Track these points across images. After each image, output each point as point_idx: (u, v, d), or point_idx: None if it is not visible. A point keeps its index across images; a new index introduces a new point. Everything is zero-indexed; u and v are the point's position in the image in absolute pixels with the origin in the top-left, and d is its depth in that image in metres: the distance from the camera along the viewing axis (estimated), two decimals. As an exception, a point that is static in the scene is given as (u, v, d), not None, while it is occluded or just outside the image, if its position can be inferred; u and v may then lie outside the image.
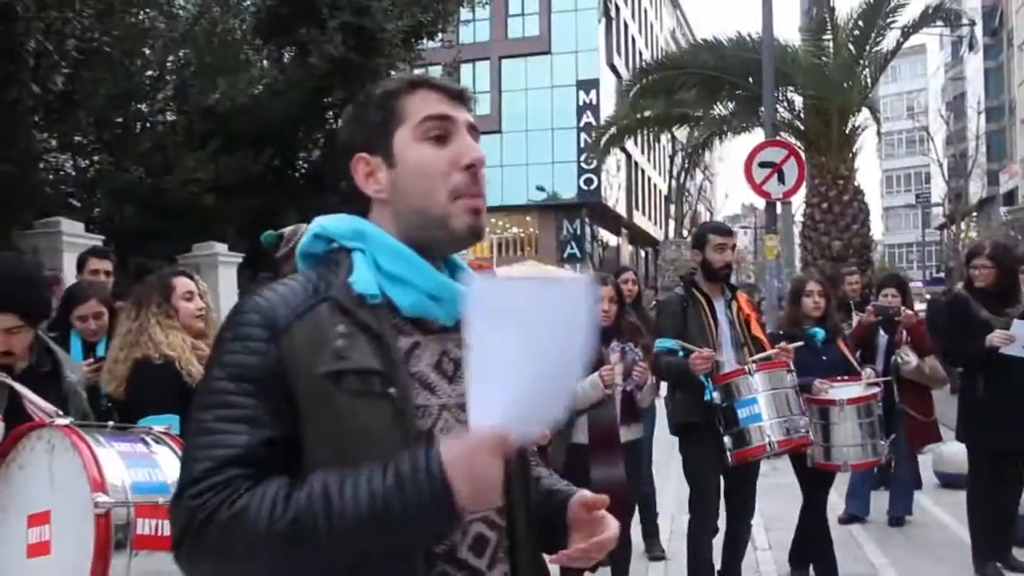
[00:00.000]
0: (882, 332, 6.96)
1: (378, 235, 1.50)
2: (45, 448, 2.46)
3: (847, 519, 7.11)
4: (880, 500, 7.21)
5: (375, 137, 1.52)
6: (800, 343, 5.08)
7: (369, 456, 1.33)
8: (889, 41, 16.20)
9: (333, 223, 1.54)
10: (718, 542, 5.05)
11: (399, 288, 1.47)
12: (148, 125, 14.00)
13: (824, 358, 5.30)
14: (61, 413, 2.60)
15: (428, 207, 1.49)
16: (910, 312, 6.81)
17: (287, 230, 4.57)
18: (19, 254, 7.25)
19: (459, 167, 1.49)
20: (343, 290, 1.45)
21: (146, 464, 2.49)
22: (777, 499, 6.80)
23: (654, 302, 9.61)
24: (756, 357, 4.76)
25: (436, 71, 20.42)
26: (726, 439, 4.61)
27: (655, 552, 6.41)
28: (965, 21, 20.62)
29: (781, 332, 5.50)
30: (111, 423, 2.69)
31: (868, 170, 69.58)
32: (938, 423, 7.04)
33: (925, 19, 16.59)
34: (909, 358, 6.71)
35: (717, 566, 5.09)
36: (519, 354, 1.23)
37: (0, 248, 9.34)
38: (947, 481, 8.07)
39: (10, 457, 2.52)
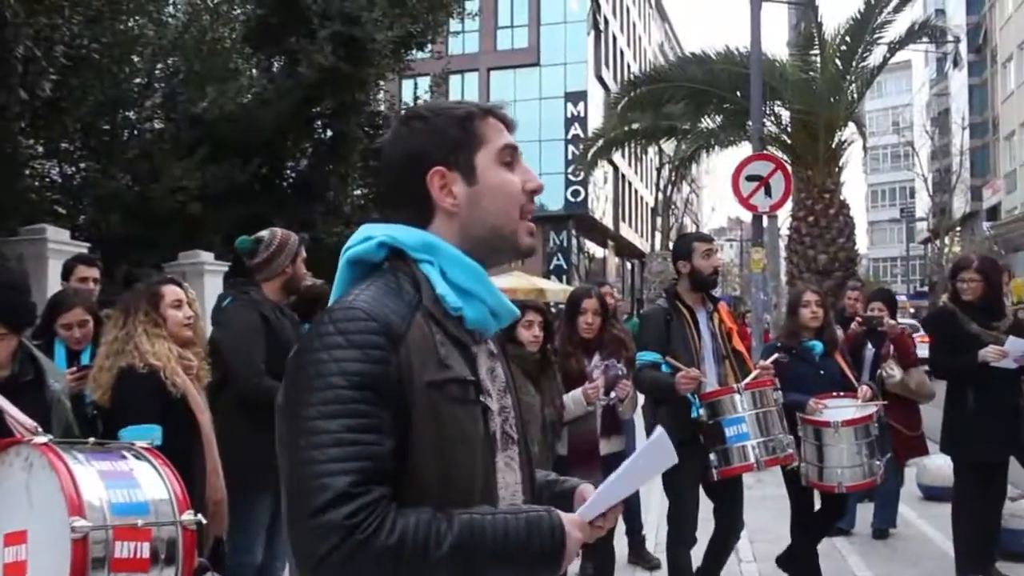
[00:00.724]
0: (870, 345, 6.98)
1: (449, 250, 1.59)
2: (23, 465, 2.41)
3: (832, 532, 7.12)
4: (864, 512, 7.22)
5: (455, 154, 1.62)
6: (776, 356, 5.10)
7: (465, 460, 1.51)
8: (876, 57, 16.33)
9: (403, 234, 1.59)
10: (696, 551, 5.05)
11: (468, 302, 1.59)
12: (136, 132, 13.97)
13: (822, 372, 5.30)
14: (40, 429, 2.56)
15: (504, 224, 1.64)
16: (893, 322, 6.84)
17: (264, 234, 4.56)
18: (2, 261, 7.21)
19: (527, 191, 1.67)
20: (433, 302, 1.54)
21: (125, 484, 2.44)
22: (762, 511, 6.82)
23: (624, 315, 9.65)
24: (747, 379, 4.77)
25: (425, 82, 20.46)
26: (712, 456, 4.63)
27: (650, 561, 6.40)
28: (950, 38, 20.74)
29: (778, 345, 5.51)
30: (92, 439, 2.64)
31: (853, 184, 69.89)
32: (925, 437, 7.07)
33: (911, 35, 16.72)
34: (893, 372, 6.74)
35: None
36: (631, 485, 1.66)
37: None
38: (930, 494, 8.10)
39: None
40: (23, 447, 2.45)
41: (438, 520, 1.41)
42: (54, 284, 7.26)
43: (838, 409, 5.10)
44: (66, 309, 4.42)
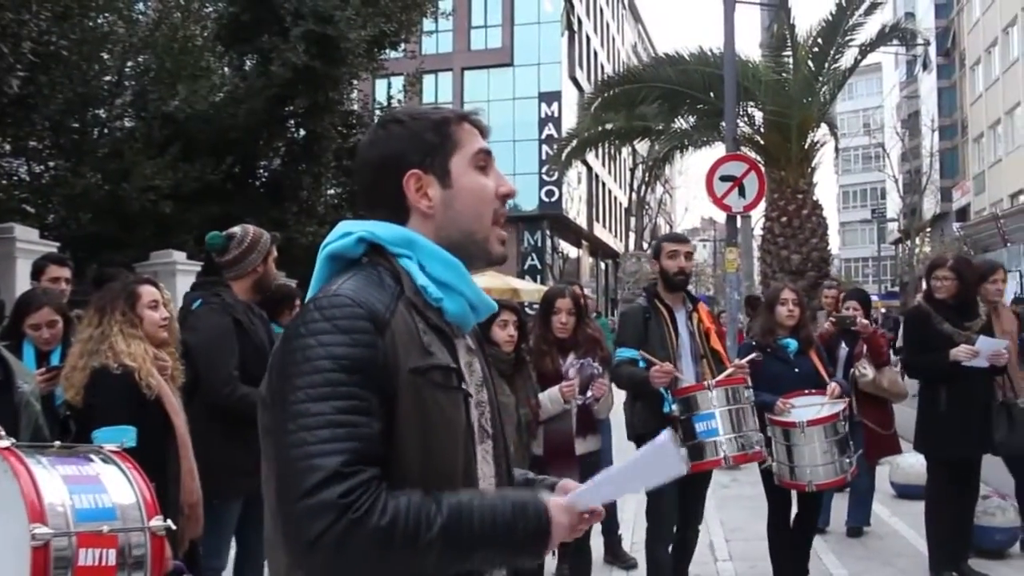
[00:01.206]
0: (844, 344, 7.03)
1: (428, 245, 1.64)
2: None
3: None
4: (838, 511, 7.26)
5: (431, 157, 1.66)
6: (755, 355, 5.13)
7: (448, 446, 1.54)
8: (847, 59, 16.43)
9: (383, 230, 1.63)
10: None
11: (448, 294, 1.63)
12: (106, 131, 13.82)
13: (796, 370, 5.31)
14: (3, 432, 2.49)
15: (477, 229, 1.68)
16: (865, 321, 6.89)
17: (235, 231, 4.46)
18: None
19: (499, 195, 1.72)
20: (414, 293, 1.59)
21: (91, 489, 2.39)
22: (737, 510, 6.84)
23: (594, 314, 9.67)
24: (720, 376, 4.83)
25: (399, 81, 20.40)
26: (682, 450, 4.65)
27: (627, 561, 6.40)
28: (920, 41, 20.97)
29: (753, 343, 5.52)
30: (57, 443, 2.58)
31: (825, 185, 70.73)
32: (897, 436, 7.12)
33: (882, 38, 16.86)
34: (866, 371, 6.79)
35: None
36: (631, 487, 1.71)
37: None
38: (903, 492, 8.16)
39: None
40: None
41: (428, 502, 1.43)
42: (23, 284, 7.16)
43: (804, 408, 5.13)
44: (34, 309, 4.34)
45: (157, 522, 2.44)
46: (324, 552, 1.37)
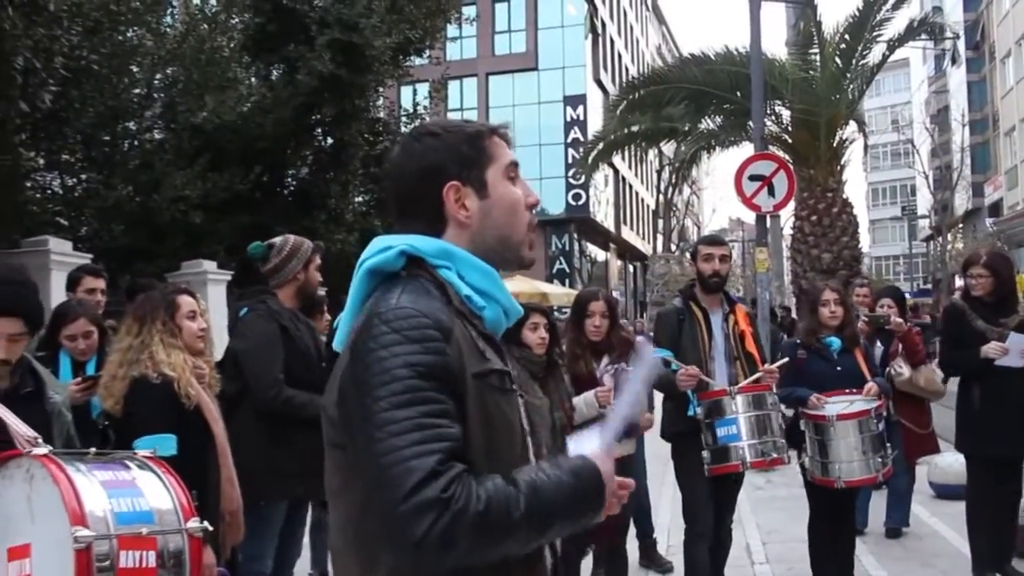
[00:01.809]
0: (879, 343, 6.94)
1: (466, 256, 1.70)
2: (24, 477, 2.40)
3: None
4: (876, 512, 7.17)
5: (468, 169, 1.72)
6: (784, 361, 5.15)
7: (508, 447, 1.63)
8: (875, 55, 16.28)
9: (422, 243, 1.68)
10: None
11: (487, 302, 1.71)
12: (136, 143, 13.96)
13: (839, 368, 5.27)
14: (40, 440, 2.53)
15: (512, 235, 1.76)
16: (899, 320, 6.80)
17: (276, 241, 4.54)
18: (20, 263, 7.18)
19: (528, 205, 1.80)
20: (459, 302, 1.66)
21: (129, 493, 2.44)
22: (773, 512, 6.78)
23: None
24: (744, 382, 4.86)
25: (424, 88, 20.46)
26: (705, 453, 4.78)
27: (663, 564, 6.36)
28: (948, 35, 20.69)
29: (798, 342, 5.49)
30: (93, 450, 2.61)
31: (855, 183, 69.98)
32: (935, 435, 7.02)
33: (910, 33, 16.70)
34: (902, 370, 6.71)
35: None
36: (631, 402, 1.81)
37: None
38: (943, 492, 8.04)
39: None
40: (24, 459, 2.43)
41: (508, 484, 1.50)
42: (58, 295, 7.23)
43: (837, 404, 5.12)
44: (71, 320, 4.39)
45: (194, 524, 2.49)
46: (433, 547, 1.42)
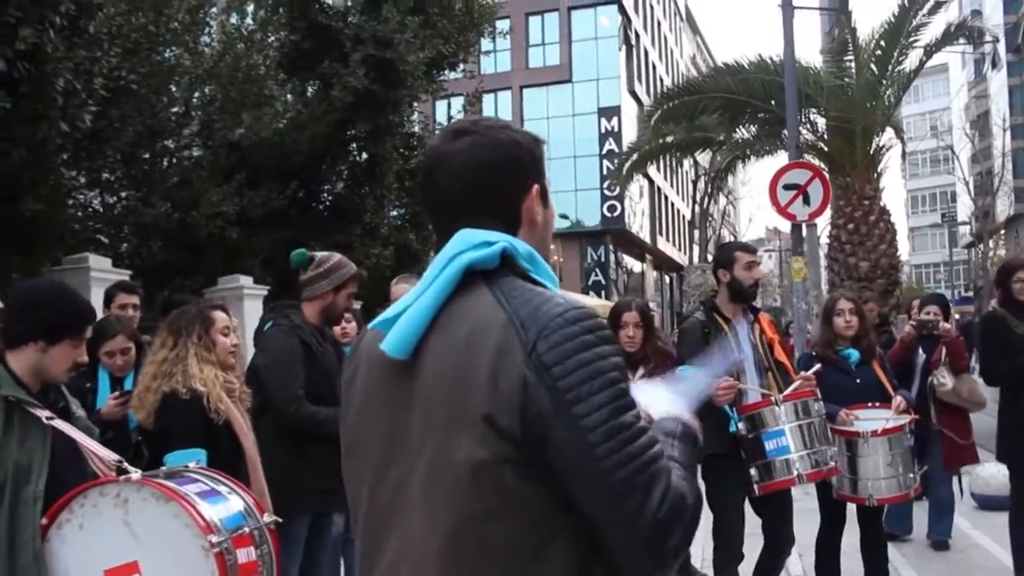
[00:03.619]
0: (921, 351, 6.85)
1: (543, 261, 1.62)
2: (113, 503, 2.53)
3: (886, 537, 6.95)
4: (919, 521, 7.05)
5: (541, 174, 1.67)
6: (819, 367, 4.96)
7: None
8: (911, 61, 16.10)
9: (519, 245, 1.59)
10: (746, 567, 4.96)
11: None
12: (174, 160, 14.15)
13: (858, 381, 5.17)
14: (123, 462, 2.65)
15: (548, 249, 1.69)
16: (947, 325, 6.71)
17: (320, 255, 4.57)
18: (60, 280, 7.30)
19: None
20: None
21: (219, 500, 2.68)
22: (809, 524, 6.66)
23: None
24: (787, 391, 4.66)
25: (458, 102, 20.56)
26: (752, 471, 4.54)
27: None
28: (988, 38, 20.39)
29: (814, 354, 5.39)
30: (163, 469, 2.78)
31: (893, 190, 69.34)
32: (975, 445, 6.90)
33: (947, 37, 16.48)
34: (945, 380, 6.60)
35: None
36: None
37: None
38: (985, 503, 7.90)
39: (63, 518, 2.56)
40: (108, 486, 2.56)
41: (675, 467, 1.51)
42: (97, 312, 7.33)
43: (869, 421, 4.96)
44: (109, 337, 4.46)
45: (268, 518, 2.78)
46: (685, 543, 1.45)
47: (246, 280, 12.44)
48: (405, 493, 1.51)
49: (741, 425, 4.57)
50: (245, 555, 2.58)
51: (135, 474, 2.57)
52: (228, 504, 2.69)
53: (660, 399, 1.71)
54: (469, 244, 1.54)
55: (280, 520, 2.77)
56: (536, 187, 1.64)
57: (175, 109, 13.87)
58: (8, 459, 2.66)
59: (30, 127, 8.36)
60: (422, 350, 1.52)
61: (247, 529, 2.63)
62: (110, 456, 2.65)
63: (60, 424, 2.72)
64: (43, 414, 2.71)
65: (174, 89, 13.50)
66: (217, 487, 2.74)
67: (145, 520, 2.48)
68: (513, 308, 1.47)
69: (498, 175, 1.60)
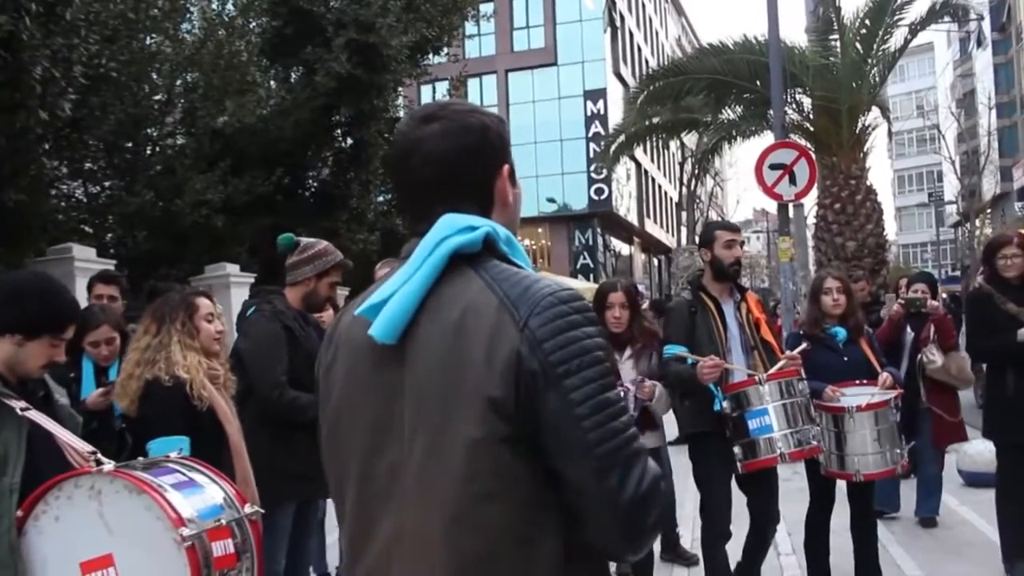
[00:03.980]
0: (909, 329, 6.87)
1: (518, 245, 1.66)
2: (87, 495, 2.48)
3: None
4: (907, 499, 7.08)
5: (509, 154, 1.71)
6: (805, 346, 4.97)
7: None
8: (896, 39, 16.04)
9: (500, 229, 1.62)
10: (734, 546, 4.97)
11: None
12: (157, 149, 14.07)
13: (845, 359, 5.18)
14: (97, 452, 2.59)
15: (514, 229, 1.69)
16: (936, 303, 6.72)
17: (305, 241, 4.55)
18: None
19: None
20: None
21: (195, 491, 2.61)
22: (799, 503, 6.68)
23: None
24: (772, 370, 4.67)
25: (443, 86, 20.49)
26: (736, 449, 4.56)
27: (688, 558, 6.32)
28: (973, 16, 20.41)
29: (801, 333, 5.39)
30: (141, 460, 2.73)
31: (879, 170, 69.46)
32: (964, 423, 6.93)
33: (932, 15, 16.44)
34: (935, 357, 6.62)
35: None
36: None
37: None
38: (972, 480, 7.94)
39: (39, 510, 2.51)
40: (83, 478, 2.50)
41: None
42: (81, 302, 7.28)
43: (856, 397, 4.99)
44: (94, 327, 4.43)
45: (250, 508, 2.69)
46: (657, 527, 1.51)
47: (232, 268, 12.39)
48: (398, 478, 1.53)
49: (726, 404, 4.58)
50: (221, 547, 2.50)
51: (108, 465, 2.51)
52: (205, 495, 2.62)
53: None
54: (454, 228, 1.56)
55: (263, 511, 2.72)
56: (506, 167, 1.67)
57: (157, 97, 13.77)
58: None
59: (8, 116, 8.28)
60: (410, 335, 1.53)
61: (223, 520, 2.55)
62: (85, 447, 2.61)
63: (35, 415, 2.67)
64: (18, 405, 2.66)
65: (156, 76, 13.39)
66: (195, 477, 2.67)
67: (118, 512, 2.44)
68: (504, 290, 1.51)
69: (472, 159, 1.63)
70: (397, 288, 1.55)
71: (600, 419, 1.44)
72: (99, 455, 2.57)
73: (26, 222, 10.19)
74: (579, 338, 1.47)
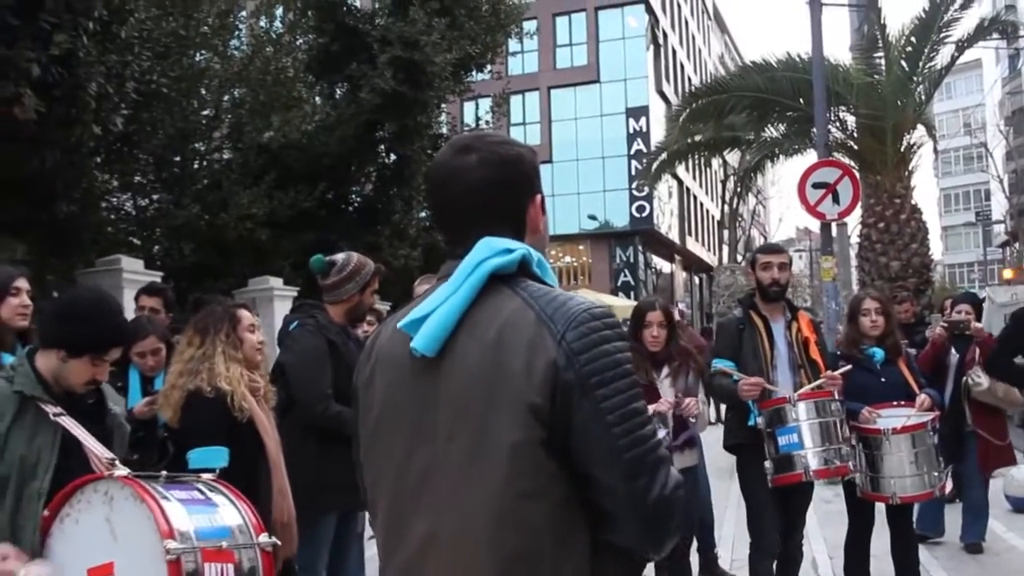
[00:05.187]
0: (953, 351, 6.77)
1: (548, 267, 1.77)
2: (102, 500, 2.49)
3: (918, 539, 6.86)
4: (952, 523, 6.96)
5: (540, 186, 1.83)
6: (848, 367, 4.98)
7: None
8: (943, 57, 15.85)
9: (533, 252, 1.74)
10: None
11: None
12: (205, 163, 14.31)
13: (883, 380, 5.13)
14: (117, 461, 2.63)
15: (544, 253, 1.81)
16: (979, 325, 6.62)
17: (339, 257, 4.61)
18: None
19: None
20: None
21: (206, 510, 2.55)
22: (841, 526, 6.62)
23: None
24: (804, 388, 4.74)
25: (486, 103, 20.60)
26: (767, 463, 4.67)
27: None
28: (1022, 33, 20.07)
29: (839, 353, 5.36)
30: (164, 473, 2.72)
31: (925, 189, 68.46)
32: (1012, 446, 6.81)
33: (980, 32, 16.23)
34: (980, 379, 6.51)
35: None
36: None
37: (62, 286, 9.58)
38: (1020, 506, 7.80)
39: (64, 512, 2.55)
40: (101, 482, 2.52)
41: None
42: (129, 313, 7.43)
43: (892, 418, 4.95)
44: (141, 337, 4.51)
45: (264, 539, 2.60)
46: (678, 530, 1.62)
47: (276, 281, 12.55)
48: (431, 482, 1.65)
49: (760, 420, 4.69)
50: (218, 570, 2.42)
51: (121, 471, 2.53)
52: (215, 515, 2.56)
53: None
54: (493, 251, 1.69)
55: (278, 543, 2.68)
56: (538, 196, 1.81)
57: (205, 112, 14.02)
58: (15, 451, 2.72)
59: (64, 131, 8.48)
60: (448, 348, 1.65)
61: (225, 544, 2.47)
62: (104, 453, 2.66)
63: (66, 421, 2.75)
64: (52, 410, 2.76)
65: (204, 92, 13.65)
66: (214, 497, 2.64)
67: (124, 519, 2.43)
68: (541, 307, 1.63)
69: (506, 190, 1.77)
70: (438, 305, 1.67)
71: (628, 427, 1.57)
72: (117, 461, 2.61)
73: (77, 234, 10.42)
74: (611, 352, 1.59)
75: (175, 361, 3.80)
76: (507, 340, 1.61)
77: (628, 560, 1.66)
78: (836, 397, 4.71)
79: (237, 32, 15.21)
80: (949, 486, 5.83)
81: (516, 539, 1.57)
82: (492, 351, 1.61)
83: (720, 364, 4.87)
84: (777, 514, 4.87)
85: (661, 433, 4.72)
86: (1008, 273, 42.79)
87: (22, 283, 3.81)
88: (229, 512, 2.60)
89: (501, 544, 1.58)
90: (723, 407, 5.56)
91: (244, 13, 15.68)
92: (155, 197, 13.51)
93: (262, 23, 15.86)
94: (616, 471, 1.56)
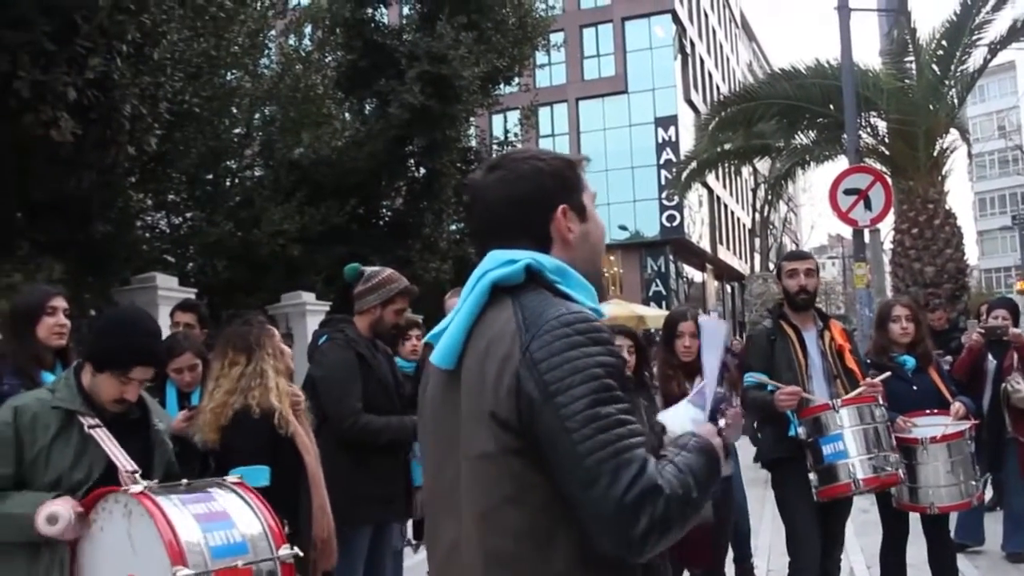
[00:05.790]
0: (990, 357, 6.66)
1: (574, 273, 1.78)
2: (123, 512, 2.51)
3: (957, 547, 6.76)
4: (993, 532, 6.84)
5: (572, 193, 1.83)
6: (887, 374, 4.84)
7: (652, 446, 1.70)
8: (976, 59, 15.69)
9: (546, 260, 1.76)
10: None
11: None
12: (237, 181, 14.48)
13: (915, 388, 5.03)
14: (140, 473, 2.66)
15: (597, 260, 1.89)
16: (1017, 331, 6.51)
17: (370, 270, 4.65)
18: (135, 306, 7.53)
19: None
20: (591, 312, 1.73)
21: (222, 525, 2.52)
22: (879, 536, 6.54)
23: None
24: (847, 395, 4.57)
25: (514, 115, 20.66)
26: (812, 476, 4.48)
27: None
28: (1056, 35, 19.79)
29: (869, 361, 5.27)
30: (185, 481, 2.73)
31: (959, 193, 67.65)
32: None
33: (1013, 34, 16.02)
34: (1020, 386, 6.39)
35: None
36: (712, 365, 2.01)
37: (98, 304, 9.73)
38: (1062, 514, 7.64)
39: (91, 516, 2.60)
40: (121, 495, 2.55)
41: (670, 465, 1.62)
42: (165, 330, 7.52)
43: (928, 427, 4.83)
44: (177, 354, 4.55)
45: (285, 551, 2.57)
46: (656, 534, 1.54)
47: (308, 296, 12.64)
48: (455, 485, 1.71)
49: (801, 430, 4.50)
50: None
51: (136, 487, 2.53)
52: (232, 531, 2.51)
53: (680, 420, 1.83)
54: (496, 263, 1.74)
55: (300, 554, 2.66)
56: (562, 208, 1.80)
57: (237, 130, 14.19)
58: (58, 466, 2.77)
59: (99, 152, 8.63)
60: (462, 361, 1.73)
61: (241, 563, 2.44)
62: (128, 465, 2.71)
63: (99, 433, 2.80)
64: (88, 422, 2.82)
65: (235, 111, 13.82)
66: (231, 508, 2.60)
67: (141, 535, 2.44)
68: (523, 317, 1.66)
69: (523, 205, 1.80)
70: (452, 319, 1.76)
71: (587, 432, 1.54)
72: (138, 475, 2.65)
73: (113, 252, 10.58)
74: (575, 358, 1.58)
75: (219, 379, 3.71)
76: (491, 351, 1.66)
77: (619, 564, 1.62)
78: (880, 403, 4.55)
79: (267, 51, 15.39)
80: (989, 494, 5.72)
81: (499, 541, 1.62)
82: (480, 363, 1.67)
83: (753, 377, 4.70)
84: (817, 530, 4.71)
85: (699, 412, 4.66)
86: (1046, 277, 42.09)
87: (58, 302, 3.84)
88: (247, 522, 2.57)
89: (486, 546, 1.64)
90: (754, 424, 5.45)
91: (274, 32, 15.86)
92: (188, 215, 13.70)
93: (291, 42, 16.04)
94: (575, 479, 1.55)
